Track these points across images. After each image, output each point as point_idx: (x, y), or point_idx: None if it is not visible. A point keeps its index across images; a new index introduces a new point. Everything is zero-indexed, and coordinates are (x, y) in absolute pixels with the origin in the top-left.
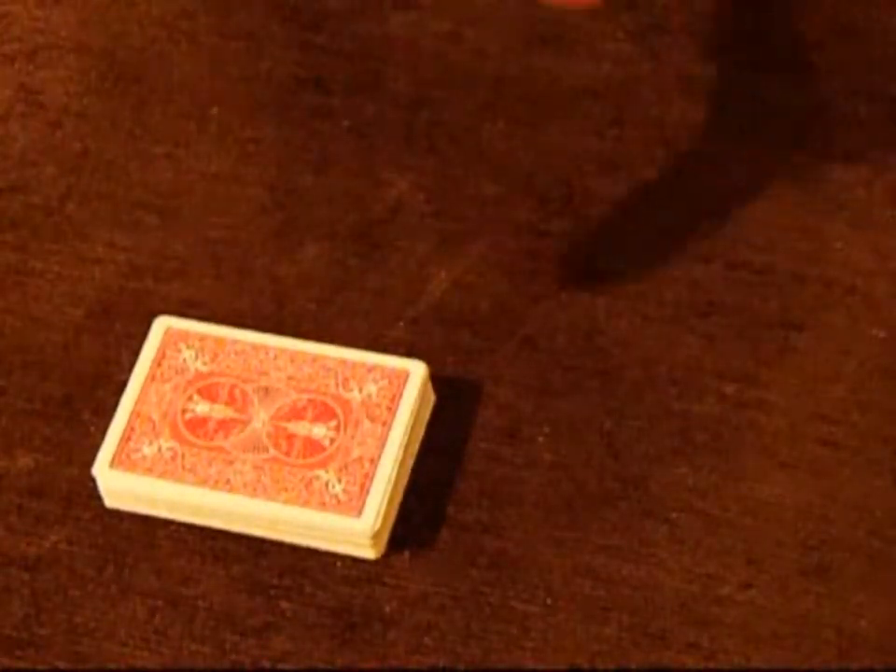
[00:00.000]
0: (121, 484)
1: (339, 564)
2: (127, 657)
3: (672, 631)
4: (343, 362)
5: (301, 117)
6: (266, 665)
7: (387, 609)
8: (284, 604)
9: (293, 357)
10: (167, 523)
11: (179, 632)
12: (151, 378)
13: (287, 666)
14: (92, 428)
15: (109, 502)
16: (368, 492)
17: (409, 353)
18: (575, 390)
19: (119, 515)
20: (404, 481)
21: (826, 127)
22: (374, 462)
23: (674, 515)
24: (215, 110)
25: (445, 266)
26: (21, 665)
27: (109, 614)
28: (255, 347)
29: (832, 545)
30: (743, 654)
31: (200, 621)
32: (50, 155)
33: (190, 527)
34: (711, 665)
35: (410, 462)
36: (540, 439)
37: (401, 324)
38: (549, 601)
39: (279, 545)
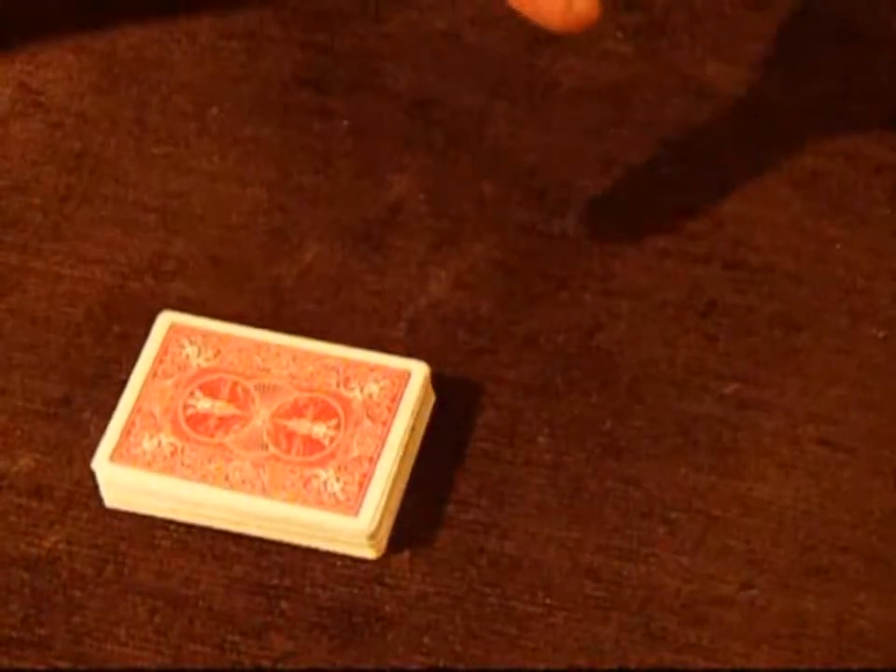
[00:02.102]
0: (120, 478)
1: (339, 564)
2: (127, 657)
3: (672, 631)
4: (346, 361)
5: (301, 117)
6: (266, 664)
7: (387, 608)
8: (284, 604)
9: (296, 354)
10: (167, 523)
11: (179, 632)
12: (153, 373)
13: (286, 666)
14: (92, 429)
15: (108, 496)
16: (366, 492)
17: (409, 353)
18: (575, 390)
19: (119, 515)
20: (404, 481)
21: (826, 127)
22: (373, 462)
23: (674, 515)
24: (215, 110)
25: (445, 266)
26: (21, 664)
27: (109, 614)
28: (258, 344)
29: (832, 545)
30: (743, 654)
31: (200, 621)
32: (50, 155)
33: (190, 527)
34: (711, 665)
35: (410, 462)
36: (540, 439)
37: (401, 324)
38: (548, 601)
39: (279, 545)
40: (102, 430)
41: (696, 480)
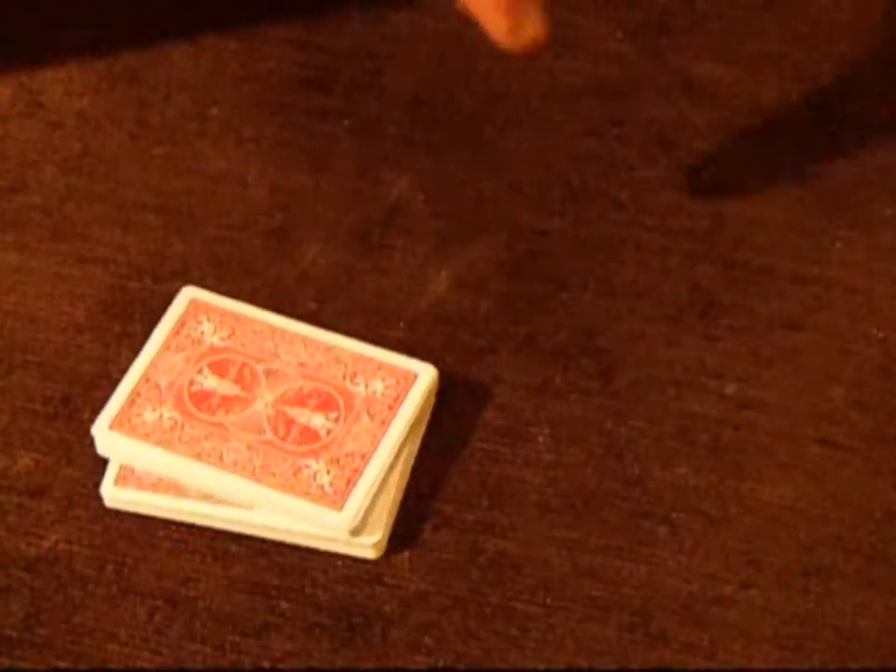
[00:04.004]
0: (118, 447)
1: (339, 564)
2: (127, 657)
3: (672, 631)
4: (355, 356)
5: (301, 117)
6: (266, 665)
7: (387, 608)
8: (284, 604)
9: (308, 343)
10: (167, 523)
11: (179, 632)
12: (167, 346)
13: (286, 666)
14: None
15: (106, 482)
16: (353, 487)
17: (409, 353)
18: (575, 390)
19: (119, 515)
20: (403, 481)
21: (826, 127)
22: (365, 458)
23: (674, 515)
24: (215, 110)
25: (445, 266)
26: (21, 664)
27: (109, 614)
28: (273, 329)
29: (832, 545)
30: (743, 654)
31: (200, 621)
32: (50, 155)
33: (190, 527)
34: (711, 664)
35: (409, 463)
36: (541, 439)
37: (401, 324)
38: (549, 601)
39: (279, 545)
40: None
41: (696, 480)
